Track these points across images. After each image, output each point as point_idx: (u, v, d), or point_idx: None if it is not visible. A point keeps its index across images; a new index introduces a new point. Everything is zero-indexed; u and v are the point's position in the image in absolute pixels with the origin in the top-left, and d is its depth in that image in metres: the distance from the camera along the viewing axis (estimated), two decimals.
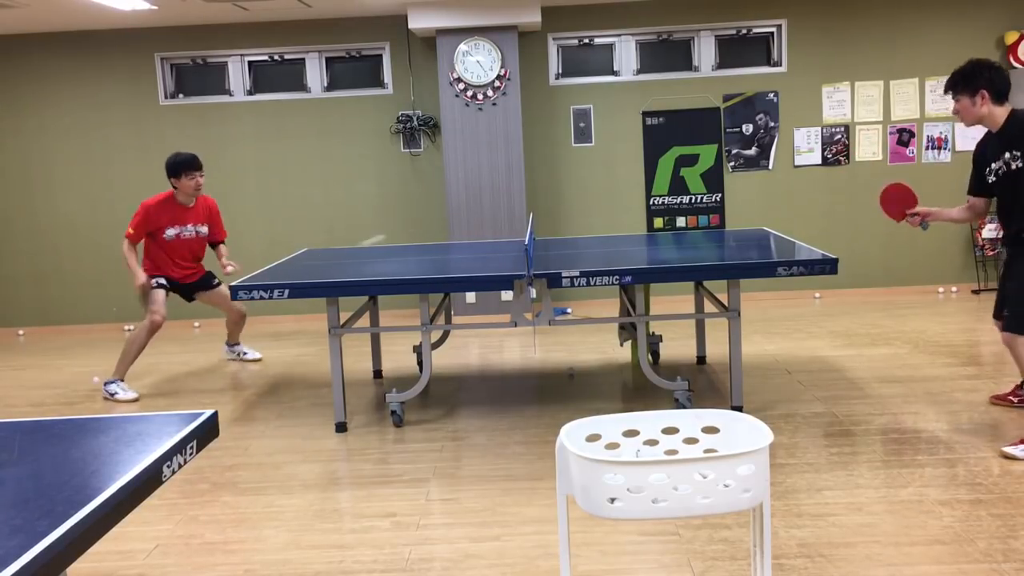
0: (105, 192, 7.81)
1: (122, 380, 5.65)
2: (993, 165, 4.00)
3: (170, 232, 5.77)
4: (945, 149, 7.59)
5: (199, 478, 4.13)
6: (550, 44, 7.66)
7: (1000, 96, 3.86)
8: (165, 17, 7.18)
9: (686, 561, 3.09)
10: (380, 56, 7.75)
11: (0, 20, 7.00)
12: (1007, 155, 3.93)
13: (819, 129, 7.63)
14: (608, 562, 3.11)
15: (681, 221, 7.69)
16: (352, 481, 4.02)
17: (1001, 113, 3.88)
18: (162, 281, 5.76)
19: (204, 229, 5.94)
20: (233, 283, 4.63)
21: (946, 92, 4.06)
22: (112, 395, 5.59)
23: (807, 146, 7.65)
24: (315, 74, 7.74)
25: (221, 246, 6.08)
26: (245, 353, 6.52)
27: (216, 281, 6.10)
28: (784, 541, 3.20)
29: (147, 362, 6.53)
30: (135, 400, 5.55)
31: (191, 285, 6.01)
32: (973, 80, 3.87)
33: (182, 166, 5.68)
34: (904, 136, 7.61)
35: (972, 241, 7.67)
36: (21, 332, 7.95)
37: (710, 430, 2.45)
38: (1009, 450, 3.84)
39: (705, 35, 7.63)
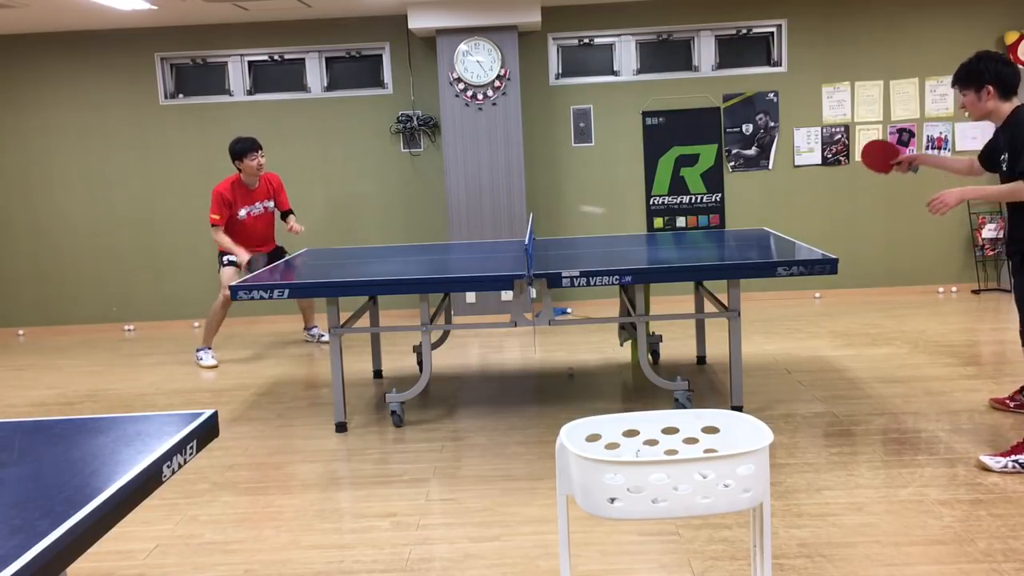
0: (105, 192, 7.81)
1: (210, 348, 6.37)
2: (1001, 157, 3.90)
3: (242, 212, 6.28)
4: (945, 149, 7.59)
5: (199, 478, 4.13)
6: (550, 44, 7.65)
7: (1007, 91, 3.74)
8: (165, 17, 7.18)
9: (686, 561, 3.09)
10: (380, 56, 7.75)
11: (0, 20, 7.00)
12: (1001, 156, 3.83)
13: (819, 129, 7.63)
14: (608, 562, 3.11)
15: (681, 221, 7.69)
16: (352, 481, 4.02)
17: (1006, 109, 3.77)
18: (233, 259, 6.23)
19: (271, 203, 6.47)
20: (233, 283, 4.63)
21: (953, 85, 3.96)
22: (199, 360, 6.35)
23: (807, 146, 7.65)
24: (315, 74, 7.74)
25: (290, 216, 6.57)
26: (322, 336, 6.91)
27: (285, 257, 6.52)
28: (784, 541, 3.20)
29: (149, 361, 6.56)
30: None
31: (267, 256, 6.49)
32: (979, 75, 3.76)
33: (246, 147, 6.16)
34: (904, 136, 7.61)
35: (972, 241, 7.67)
36: (21, 332, 7.95)
37: (710, 430, 2.45)
38: (985, 460, 3.73)
39: (705, 35, 7.63)
